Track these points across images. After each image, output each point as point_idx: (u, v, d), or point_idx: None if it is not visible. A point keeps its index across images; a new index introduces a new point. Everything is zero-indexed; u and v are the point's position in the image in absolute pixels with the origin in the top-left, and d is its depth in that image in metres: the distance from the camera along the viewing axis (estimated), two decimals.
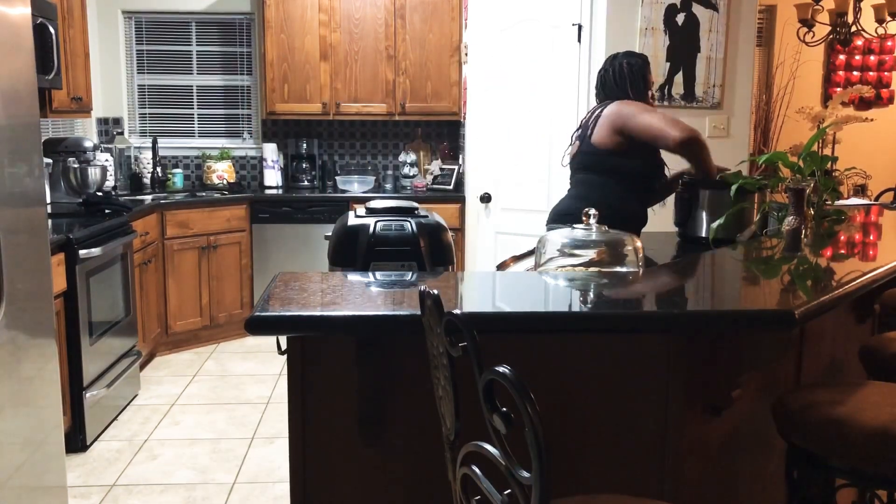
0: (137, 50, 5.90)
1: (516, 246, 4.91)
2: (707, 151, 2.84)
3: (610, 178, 2.95)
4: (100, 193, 4.60)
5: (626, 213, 2.89)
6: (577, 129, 3.13)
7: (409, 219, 2.84)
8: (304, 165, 5.92)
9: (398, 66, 5.69)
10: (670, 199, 3.07)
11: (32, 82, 2.67)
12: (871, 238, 2.80)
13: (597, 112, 3.02)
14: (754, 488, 2.19)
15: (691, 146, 2.78)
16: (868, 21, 5.23)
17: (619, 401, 1.81)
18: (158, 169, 5.71)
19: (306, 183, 5.91)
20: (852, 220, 3.01)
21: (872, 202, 5.35)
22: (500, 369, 1.07)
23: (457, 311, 1.22)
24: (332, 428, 1.77)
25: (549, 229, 2.85)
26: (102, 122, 5.83)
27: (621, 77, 3.05)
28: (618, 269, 2.09)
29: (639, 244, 2.17)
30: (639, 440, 1.82)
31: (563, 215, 2.94)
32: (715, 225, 2.58)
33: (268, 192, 5.73)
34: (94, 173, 4.59)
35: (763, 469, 2.20)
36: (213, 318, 5.36)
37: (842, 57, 6.77)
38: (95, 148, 4.87)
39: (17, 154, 2.56)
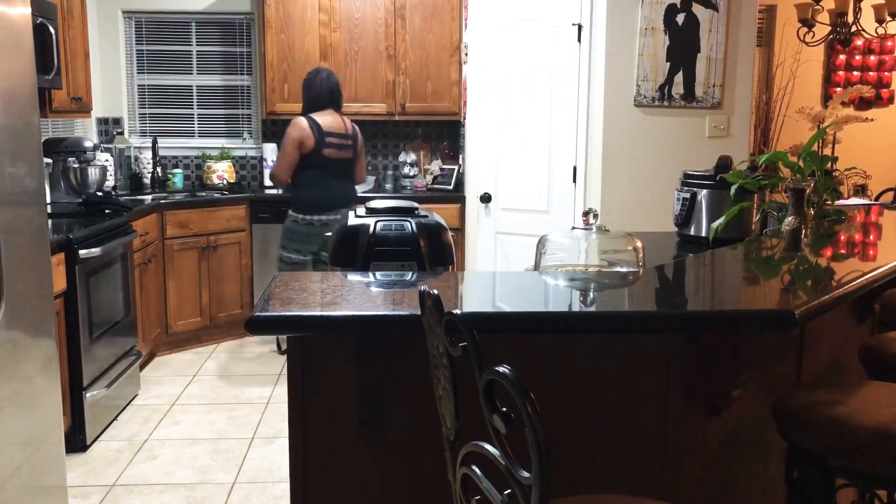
0: (137, 50, 5.89)
1: (516, 246, 4.93)
2: (275, 170, 4.68)
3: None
4: (100, 193, 4.60)
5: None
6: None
7: (409, 219, 2.84)
8: None
9: (398, 66, 5.68)
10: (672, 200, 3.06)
11: (32, 82, 2.67)
12: (871, 238, 2.80)
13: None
14: (754, 488, 2.19)
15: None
16: (868, 21, 5.23)
17: (619, 401, 1.81)
18: (158, 169, 5.71)
19: None
20: (852, 220, 3.01)
21: (872, 202, 5.36)
22: (500, 369, 1.07)
23: (457, 311, 1.22)
24: (332, 428, 1.77)
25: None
26: (102, 122, 5.83)
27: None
28: (618, 269, 2.09)
29: (639, 244, 2.17)
30: (639, 440, 1.82)
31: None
32: (715, 225, 2.58)
33: (268, 192, 5.72)
34: (94, 173, 4.59)
35: (763, 469, 2.20)
36: (213, 318, 5.36)
37: (842, 57, 6.77)
38: (95, 148, 4.86)
39: (17, 154, 2.56)
